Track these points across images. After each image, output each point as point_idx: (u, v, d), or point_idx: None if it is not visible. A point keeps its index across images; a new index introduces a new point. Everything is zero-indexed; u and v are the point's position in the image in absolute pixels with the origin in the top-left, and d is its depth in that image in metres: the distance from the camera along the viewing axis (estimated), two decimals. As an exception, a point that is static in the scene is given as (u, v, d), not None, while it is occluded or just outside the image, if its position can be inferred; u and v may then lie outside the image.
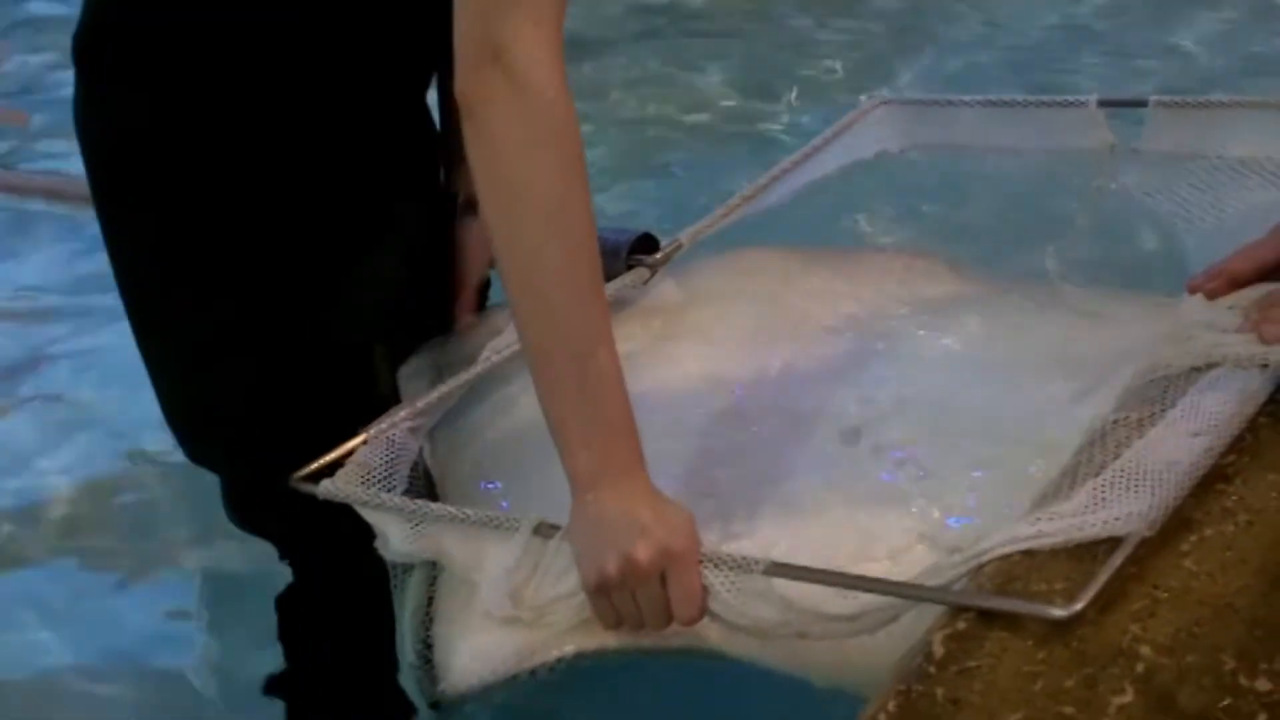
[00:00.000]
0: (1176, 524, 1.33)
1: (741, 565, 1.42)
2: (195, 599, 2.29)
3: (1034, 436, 1.59)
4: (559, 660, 1.52)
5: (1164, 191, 1.93)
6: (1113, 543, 1.31)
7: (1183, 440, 1.39)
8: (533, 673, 1.52)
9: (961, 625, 1.28)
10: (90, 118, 1.79)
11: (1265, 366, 1.47)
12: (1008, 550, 1.34)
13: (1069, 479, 1.41)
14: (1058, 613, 1.25)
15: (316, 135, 1.74)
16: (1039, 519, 1.34)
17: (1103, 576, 1.27)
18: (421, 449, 1.74)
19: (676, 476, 1.61)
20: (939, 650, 1.26)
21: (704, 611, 1.45)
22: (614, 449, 1.46)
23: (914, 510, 1.55)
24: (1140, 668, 1.21)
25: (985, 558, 1.35)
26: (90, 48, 1.77)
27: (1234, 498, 1.36)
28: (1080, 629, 1.24)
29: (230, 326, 1.79)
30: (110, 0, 1.76)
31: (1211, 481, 1.37)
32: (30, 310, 3.10)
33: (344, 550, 1.66)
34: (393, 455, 1.66)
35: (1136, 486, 1.34)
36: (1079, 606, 1.25)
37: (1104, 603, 1.26)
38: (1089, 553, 1.31)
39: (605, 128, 3.47)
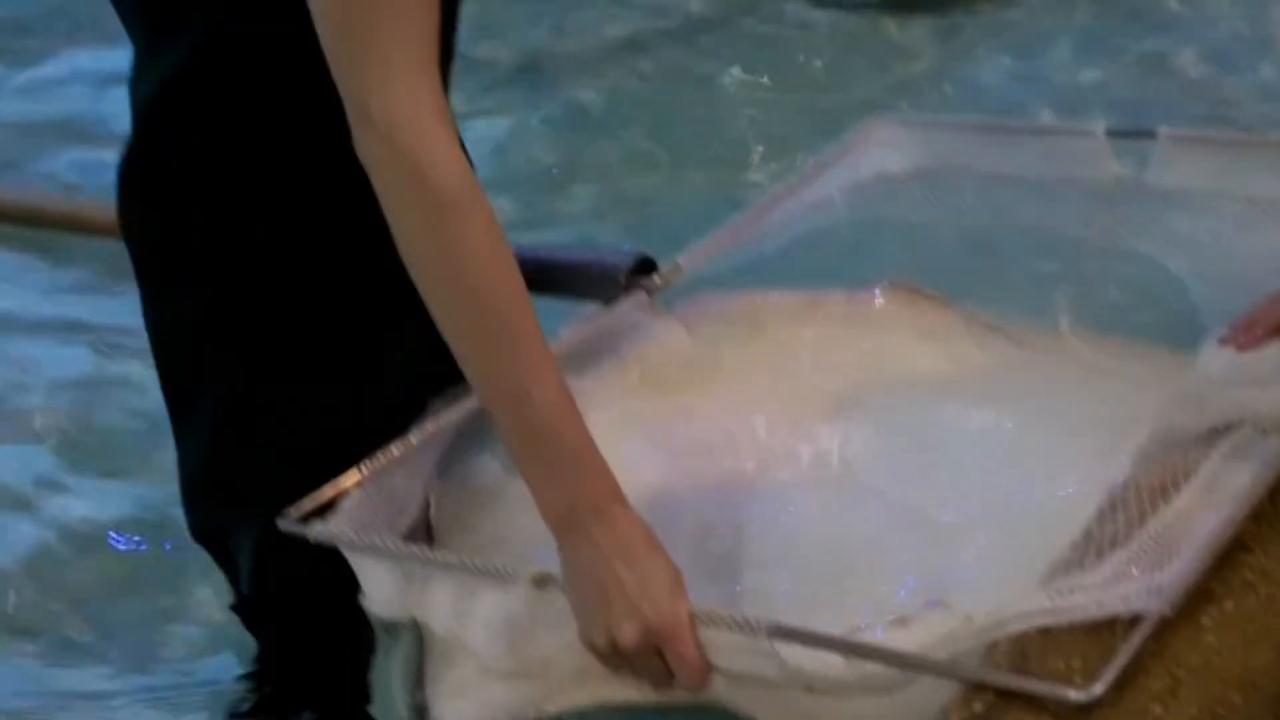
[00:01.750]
0: (1196, 596, 1.30)
1: (743, 627, 1.38)
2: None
3: (1045, 501, 1.56)
4: (558, 715, 1.48)
5: (1170, 231, 1.89)
6: (1131, 618, 1.28)
7: (1205, 512, 1.36)
8: None
9: (978, 707, 1.25)
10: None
11: None
12: (1025, 626, 1.31)
13: (1084, 550, 1.38)
14: (1076, 695, 1.22)
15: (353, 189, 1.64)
16: (1058, 593, 1.31)
17: (1122, 658, 1.24)
18: (427, 488, 1.68)
19: (673, 526, 1.55)
20: (956, 733, 1.23)
21: (709, 673, 1.40)
22: (578, 490, 1.43)
23: (923, 574, 1.51)
24: (1165, 753, 1.19)
25: (1002, 631, 1.32)
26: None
27: (1255, 569, 1.34)
28: (1100, 711, 1.21)
29: (274, 396, 1.75)
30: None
31: (1231, 551, 1.34)
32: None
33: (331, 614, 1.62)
34: (388, 495, 1.61)
35: (1157, 561, 1.31)
36: (1099, 690, 1.22)
37: (1123, 682, 1.23)
38: (1107, 627, 1.28)
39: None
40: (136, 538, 2.45)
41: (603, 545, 1.41)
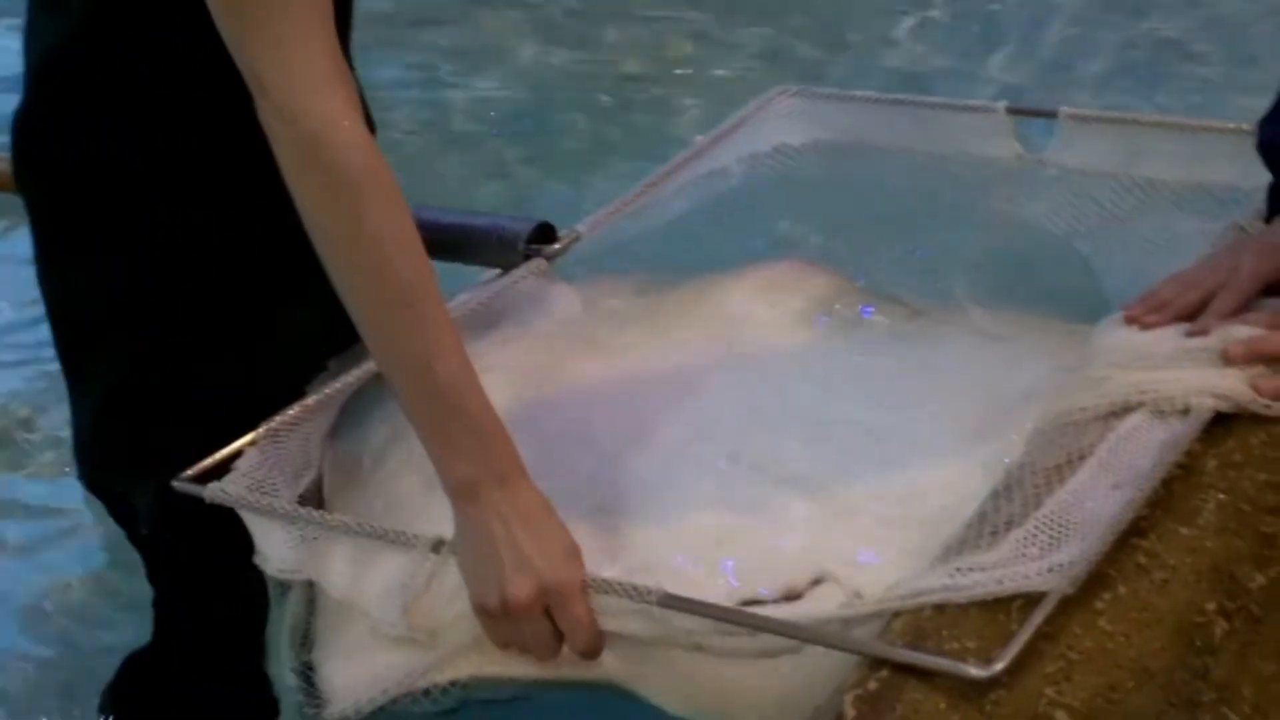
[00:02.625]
0: (1090, 580, 1.29)
1: (633, 594, 1.38)
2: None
3: (937, 475, 1.54)
4: (451, 683, 1.46)
5: (1070, 209, 1.90)
6: (1026, 599, 1.27)
7: (1103, 492, 1.36)
8: (425, 693, 1.47)
9: (873, 685, 1.24)
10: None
11: (1186, 412, 1.44)
12: (923, 601, 1.30)
13: (980, 530, 1.37)
14: (976, 672, 1.21)
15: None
16: (957, 570, 1.31)
17: (1023, 635, 1.23)
18: (321, 450, 1.67)
19: (567, 495, 1.54)
20: (850, 713, 1.22)
21: (600, 640, 1.41)
22: (480, 459, 1.43)
23: (813, 546, 1.49)
24: (1055, 736, 1.18)
25: (900, 605, 1.32)
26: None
27: (1147, 553, 1.33)
28: (994, 692, 1.21)
29: (168, 368, 1.72)
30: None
31: (1125, 535, 1.33)
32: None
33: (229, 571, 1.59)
34: (284, 457, 1.60)
35: (1058, 540, 1.31)
36: (999, 667, 1.21)
37: (1017, 664, 1.22)
38: (1002, 609, 1.28)
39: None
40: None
41: (501, 510, 1.41)
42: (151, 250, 1.69)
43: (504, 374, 1.70)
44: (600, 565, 1.45)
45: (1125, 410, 1.46)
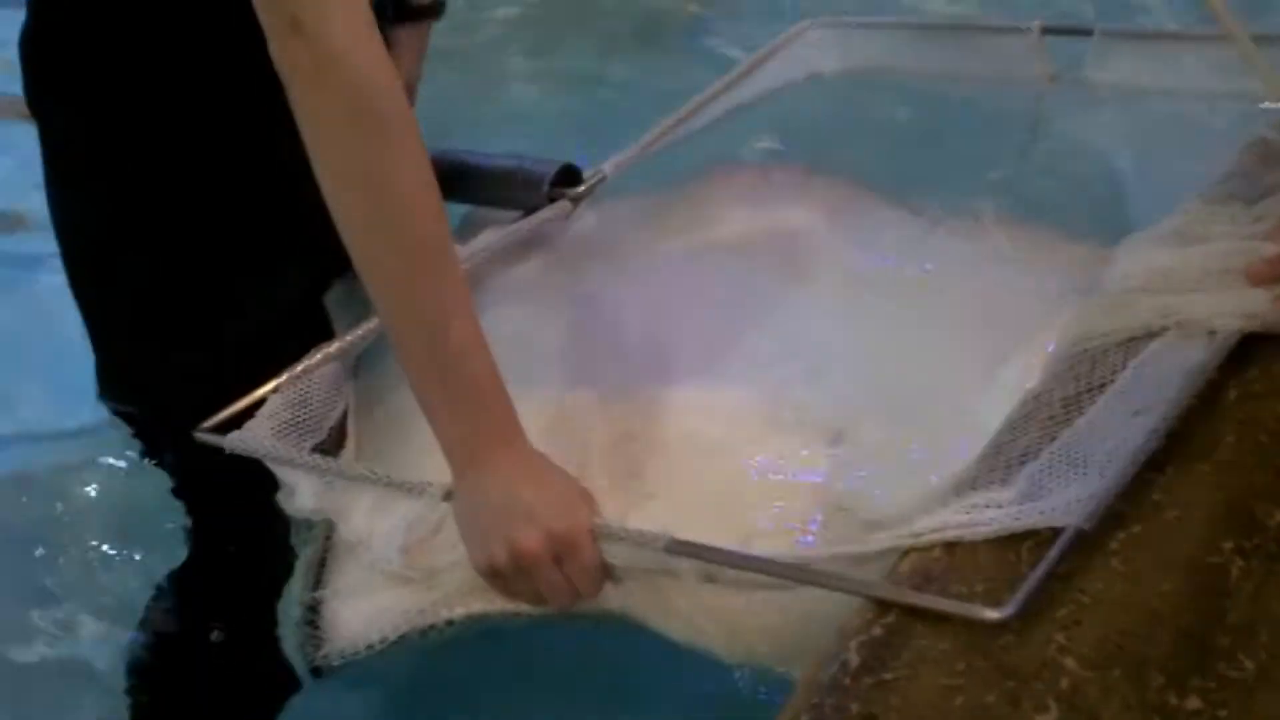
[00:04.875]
0: (1104, 517, 1.25)
1: (640, 541, 1.37)
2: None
3: (951, 401, 1.51)
4: (450, 623, 1.45)
5: (1103, 127, 1.85)
6: (1037, 538, 1.24)
7: (1124, 420, 1.31)
8: (423, 633, 1.46)
9: (878, 632, 1.21)
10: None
11: (1212, 334, 1.39)
12: (936, 539, 1.28)
13: (996, 460, 1.34)
14: (990, 614, 1.18)
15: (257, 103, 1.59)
16: (972, 506, 1.27)
17: (1040, 571, 1.20)
18: (345, 393, 1.66)
19: (577, 422, 1.57)
20: (854, 659, 1.19)
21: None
22: (484, 422, 1.41)
23: (826, 476, 1.48)
24: (1065, 683, 1.14)
25: (910, 542, 1.29)
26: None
27: (1163, 489, 1.29)
28: (1003, 637, 1.18)
29: (182, 290, 1.70)
30: None
31: (1140, 469, 1.29)
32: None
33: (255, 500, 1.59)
34: (306, 403, 1.60)
35: (1075, 473, 1.27)
36: (1011, 610, 1.18)
37: (1027, 607, 1.19)
38: (1012, 548, 1.25)
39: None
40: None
41: (503, 469, 1.40)
42: (156, 179, 1.67)
43: (519, 306, 1.71)
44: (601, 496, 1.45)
45: (1148, 335, 1.42)
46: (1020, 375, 1.49)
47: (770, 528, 1.46)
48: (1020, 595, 1.19)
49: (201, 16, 1.61)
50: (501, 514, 1.39)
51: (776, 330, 1.68)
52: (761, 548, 1.40)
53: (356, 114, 1.37)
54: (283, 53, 1.38)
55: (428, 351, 1.41)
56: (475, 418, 1.41)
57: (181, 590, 1.81)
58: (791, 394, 1.59)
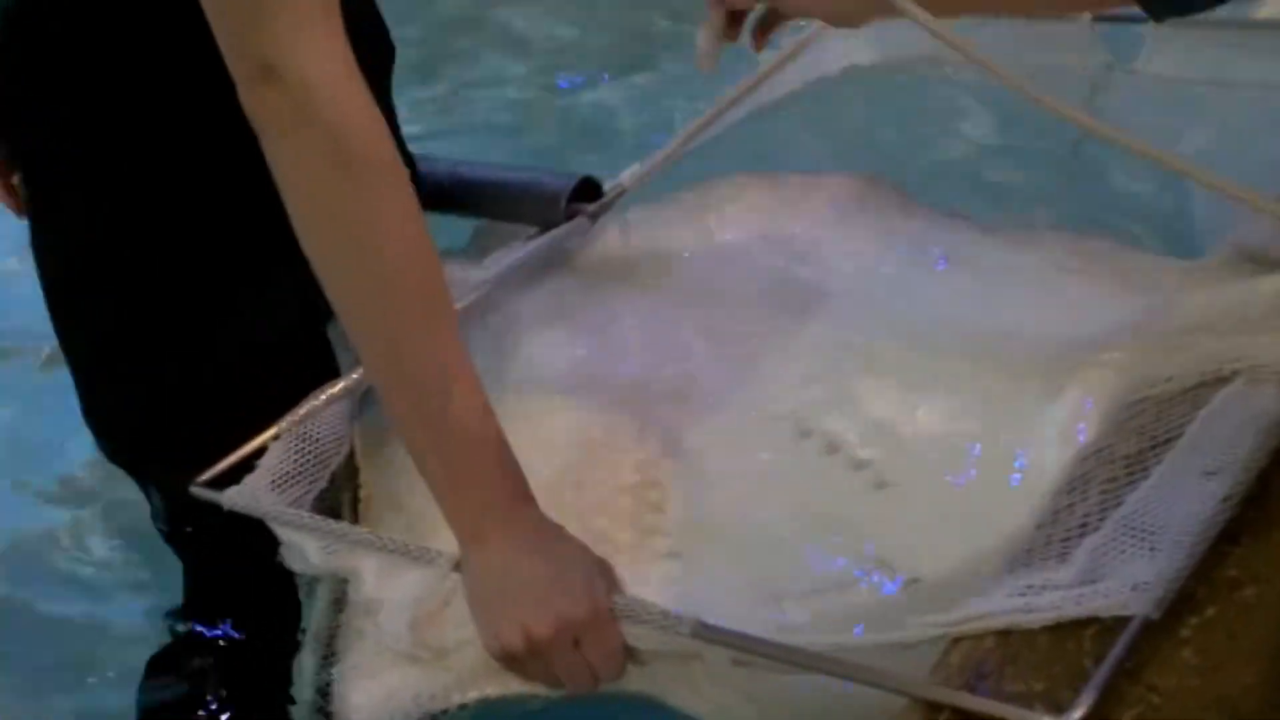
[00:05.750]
0: (1175, 599, 1.13)
1: (664, 625, 1.25)
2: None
3: (998, 438, 1.41)
4: (463, 706, 1.36)
5: (1160, 122, 1.72)
6: (1101, 621, 1.12)
7: (1192, 484, 1.19)
8: (435, 718, 1.37)
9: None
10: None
11: None
12: (988, 625, 1.15)
13: (1054, 530, 1.23)
14: None
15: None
16: (1029, 588, 1.15)
17: (1101, 674, 1.08)
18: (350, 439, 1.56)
19: (599, 464, 1.50)
20: (900, 773, 1.09)
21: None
22: (487, 494, 1.30)
23: (865, 524, 1.38)
24: (1140, 800, 1.04)
25: (960, 629, 1.17)
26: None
27: (1238, 563, 1.17)
28: (1067, 747, 1.07)
29: (157, 323, 1.61)
30: None
31: (1214, 540, 1.17)
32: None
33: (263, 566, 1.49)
34: (309, 450, 1.50)
35: (1141, 548, 1.15)
36: (1076, 717, 1.06)
37: (1094, 711, 1.07)
38: (1072, 636, 1.13)
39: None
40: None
41: (512, 544, 1.30)
42: (126, 211, 1.58)
43: (542, 328, 1.65)
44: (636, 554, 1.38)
45: (1217, 381, 1.30)
46: (1072, 413, 1.39)
47: (806, 589, 1.36)
48: (1085, 699, 1.07)
49: (189, 29, 1.50)
50: (511, 596, 1.28)
51: (810, 355, 1.58)
52: (796, 614, 1.31)
53: (342, 165, 1.25)
54: (257, 103, 1.26)
55: (421, 419, 1.30)
56: (477, 490, 1.30)
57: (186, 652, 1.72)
58: (824, 426, 1.50)
